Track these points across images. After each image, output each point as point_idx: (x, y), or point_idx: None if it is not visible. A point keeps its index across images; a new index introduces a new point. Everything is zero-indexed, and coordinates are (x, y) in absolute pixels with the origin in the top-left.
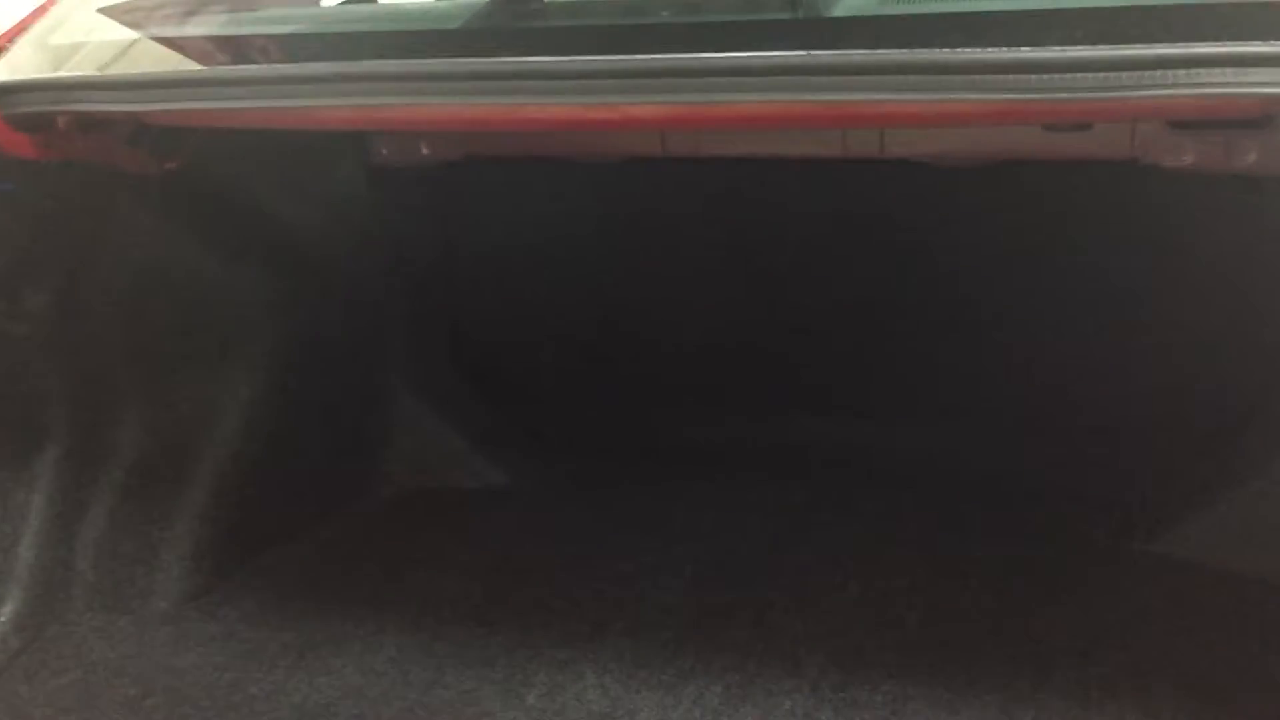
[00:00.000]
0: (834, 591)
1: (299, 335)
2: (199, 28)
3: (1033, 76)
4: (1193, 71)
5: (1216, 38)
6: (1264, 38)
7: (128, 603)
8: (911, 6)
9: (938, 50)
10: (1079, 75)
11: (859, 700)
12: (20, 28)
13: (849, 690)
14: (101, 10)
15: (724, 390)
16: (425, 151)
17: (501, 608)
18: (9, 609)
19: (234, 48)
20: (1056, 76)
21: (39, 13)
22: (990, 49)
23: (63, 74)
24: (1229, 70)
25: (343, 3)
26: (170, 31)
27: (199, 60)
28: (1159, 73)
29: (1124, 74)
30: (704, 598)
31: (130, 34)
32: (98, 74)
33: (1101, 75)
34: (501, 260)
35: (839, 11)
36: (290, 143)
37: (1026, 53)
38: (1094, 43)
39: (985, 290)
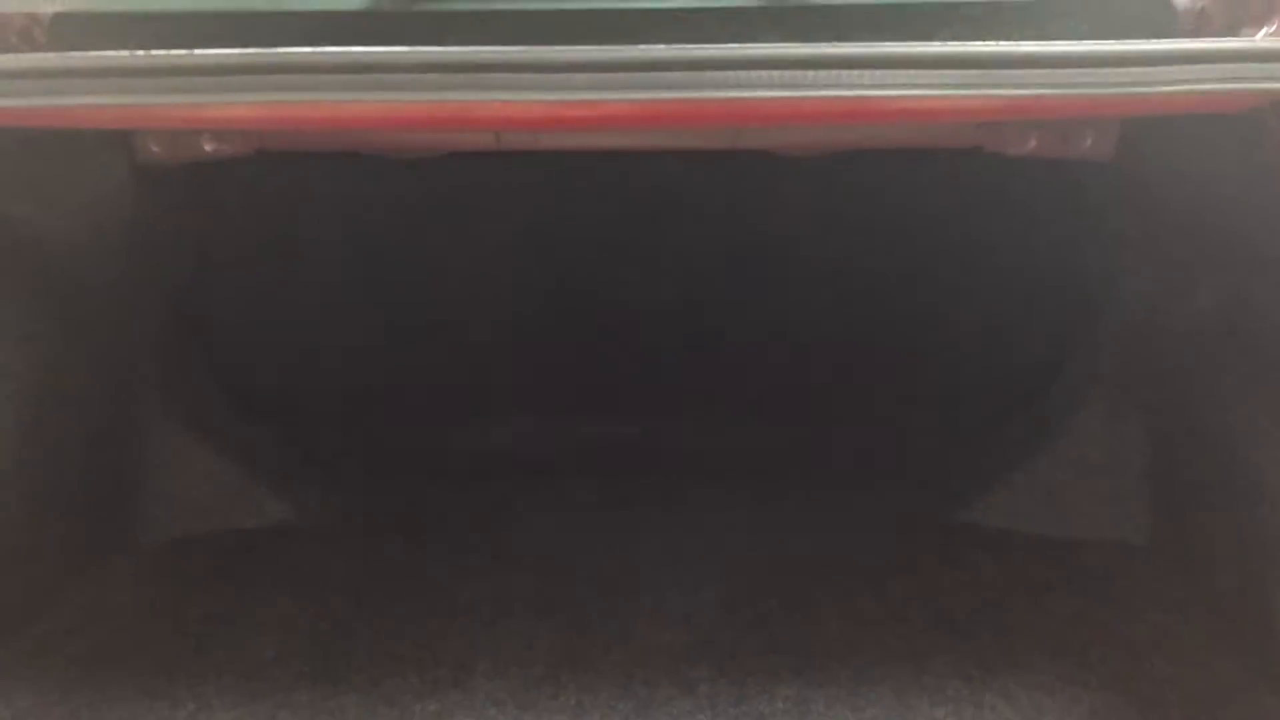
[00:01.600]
0: (691, 596)
1: (40, 366)
2: None
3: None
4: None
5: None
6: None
7: None
8: None
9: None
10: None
11: (764, 712)
12: None
13: (748, 703)
14: None
15: (526, 393)
16: (208, 148)
17: (343, 664)
18: None
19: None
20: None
21: None
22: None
23: None
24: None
25: None
26: None
27: None
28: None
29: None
30: (561, 621)
31: None
32: None
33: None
34: (277, 268)
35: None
36: (36, 137)
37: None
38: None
39: (804, 278)
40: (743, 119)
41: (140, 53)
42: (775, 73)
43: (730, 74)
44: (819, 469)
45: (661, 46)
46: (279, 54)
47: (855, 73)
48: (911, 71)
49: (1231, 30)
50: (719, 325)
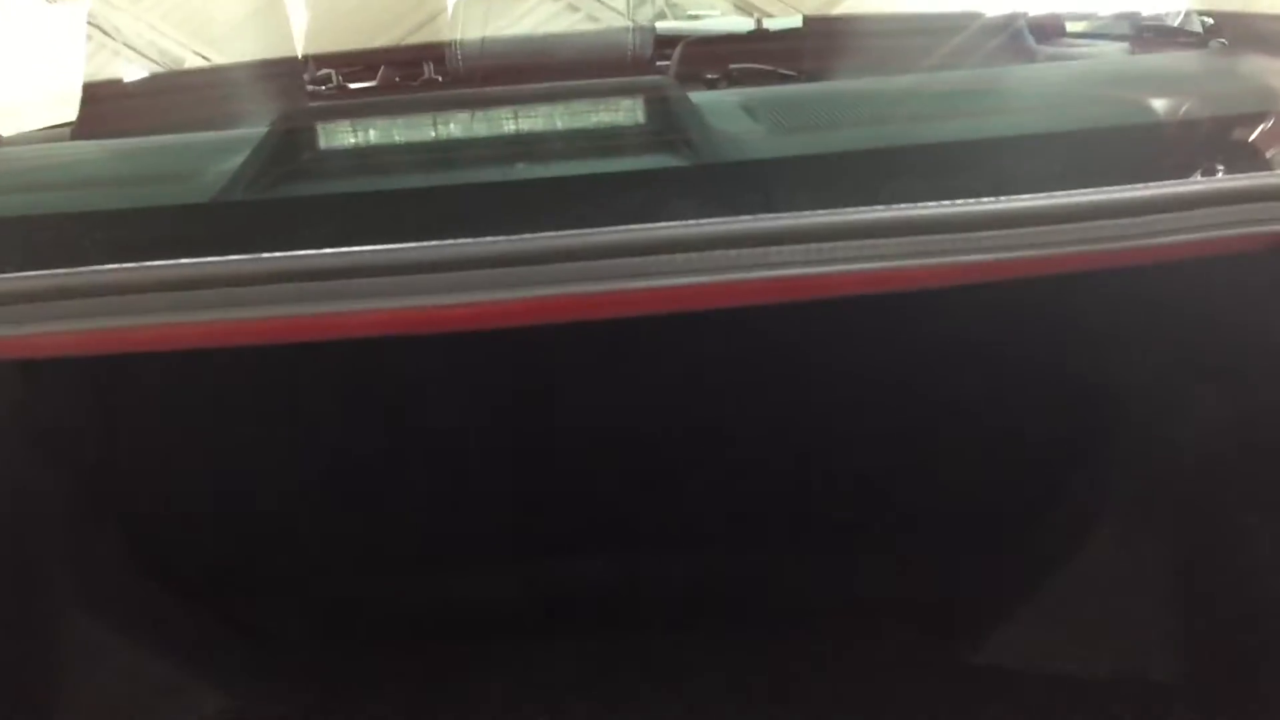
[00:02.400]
0: None
1: None
2: None
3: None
4: None
5: None
6: None
7: None
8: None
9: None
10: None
11: None
12: None
13: None
14: None
15: (480, 548)
16: None
17: None
18: None
19: None
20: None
21: None
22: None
23: None
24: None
25: None
26: None
27: None
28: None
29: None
30: None
31: None
32: None
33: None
34: (187, 439)
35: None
36: None
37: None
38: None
39: (782, 396)
40: (679, 303)
41: None
42: (695, 255)
43: (641, 260)
44: (810, 610)
45: (549, 235)
46: (89, 274)
47: (810, 247)
48: (880, 241)
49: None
50: (695, 454)
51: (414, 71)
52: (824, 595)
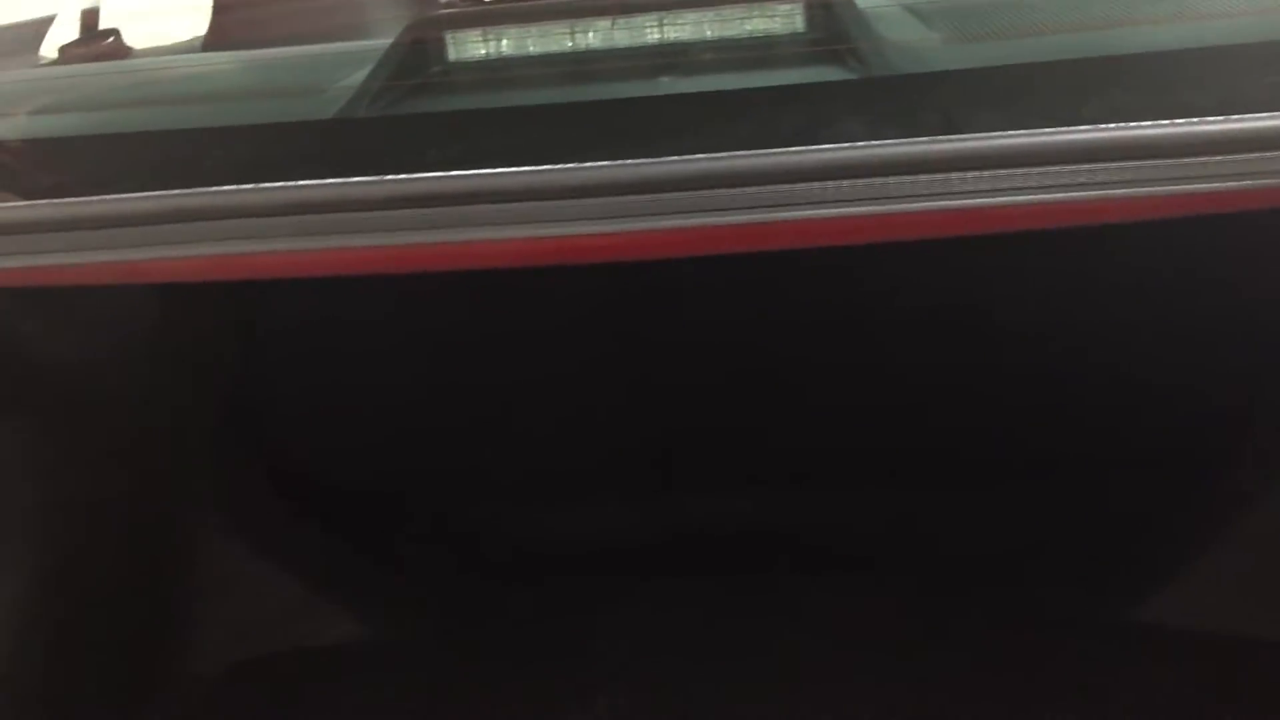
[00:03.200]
0: None
1: (74, 498)
2: None
3: None
4: None
5: None
6: None
7: None
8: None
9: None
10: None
11: None
12: None
13: None
14: None
15: (616, 475)
16: None
17: None
18: None
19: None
20: None
21: None
22: None
23: None
24: None
25: None
26: None
27: None
28: None
29: None
30: None
31: None
32: None
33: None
34: (324, 362)
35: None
36: None
37: None
38: None
39: (937, 324)
40: (848, 236)
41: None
42: (862, 181)
43: (805, 187)
44: (959, 559)
45: (702, 158)
46: (218, 194)
47: (998, 173)
48: (1076, 167)
49: None
50: (841, 392)
51: None
52: (972, 543)
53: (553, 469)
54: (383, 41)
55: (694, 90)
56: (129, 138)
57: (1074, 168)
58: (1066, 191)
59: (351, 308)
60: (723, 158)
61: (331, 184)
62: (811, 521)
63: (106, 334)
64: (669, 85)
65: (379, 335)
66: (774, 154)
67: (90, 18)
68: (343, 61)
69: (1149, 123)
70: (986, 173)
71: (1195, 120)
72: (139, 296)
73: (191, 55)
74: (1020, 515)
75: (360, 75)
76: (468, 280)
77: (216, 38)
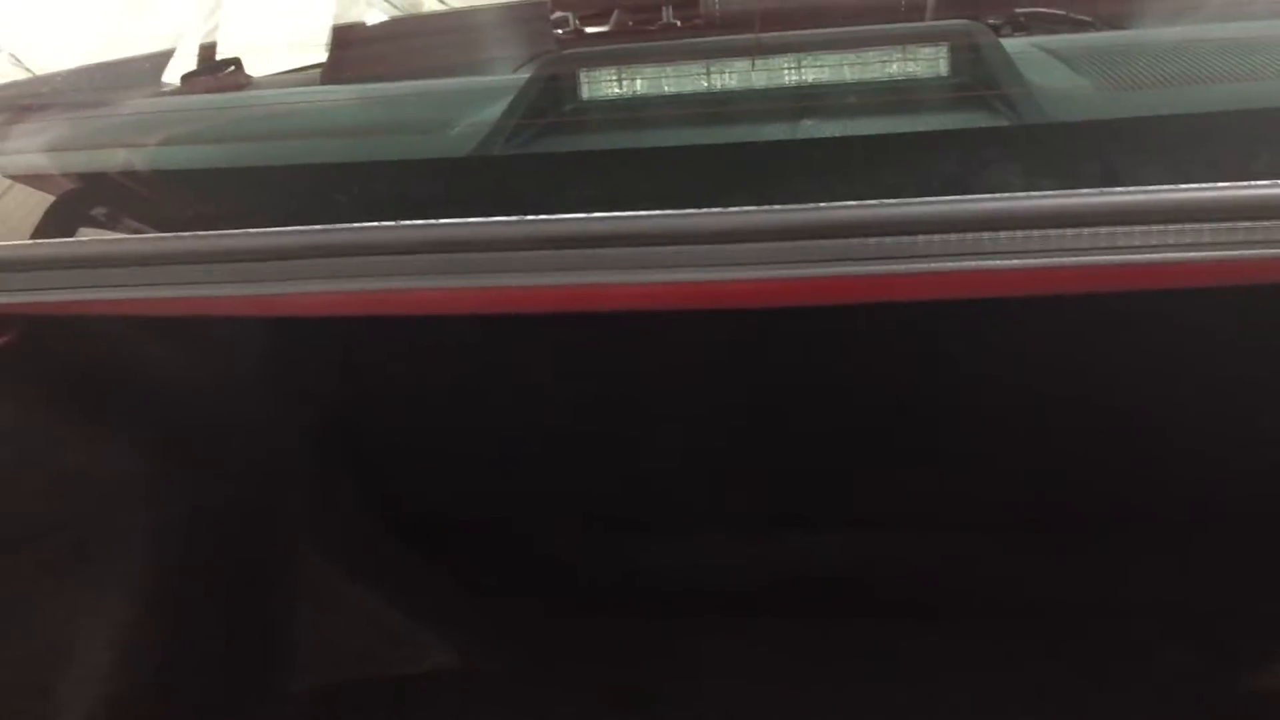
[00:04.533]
0: None
1: (178, 520)
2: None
3: None
4: None
5: None
6: None
7: None
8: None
9: None
10: None
11: None
12: None
13: None
14: None
15: (711, 518)
16: None
17: None
18: None
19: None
20: None
21: None
22: None
23: None
24: None
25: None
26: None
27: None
28: None
29: None
30: None
31: None
32: None
33: None
34: (426, 390)
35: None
36: None
37: None
38: None
39: (1044, 387)
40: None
41: (167, 235)
42: (1020, 234)
43: (959, 238)
44: (1069, 613)
45: (851, 204)
46: (347, 231)
47: (1167, 228)
48: (1250, 224)
49: None
50: (948, 430)
51: (652, 16)
52: (1083, 597)
53: (649, 504)
54: (506, 78)
55: (836, 135)
56: (265, 170)
57: (1235, 224)
58: (1223, 250)
59: (455, 337)
60: (867, 206)
61: (468, 223)
62: (911, 569)
63: (217, 361)
64: (811, 129)
65: (483, 366)
66: (922, 203)
67: (209, 50)
68: (468, 97)
69: None
70: (1160, 227)
71: None
72: (248, 326)
73: (314, 89)
74: (1130, 570)
75: (489, 111)
76: (577, 314)
77: (333, 71)
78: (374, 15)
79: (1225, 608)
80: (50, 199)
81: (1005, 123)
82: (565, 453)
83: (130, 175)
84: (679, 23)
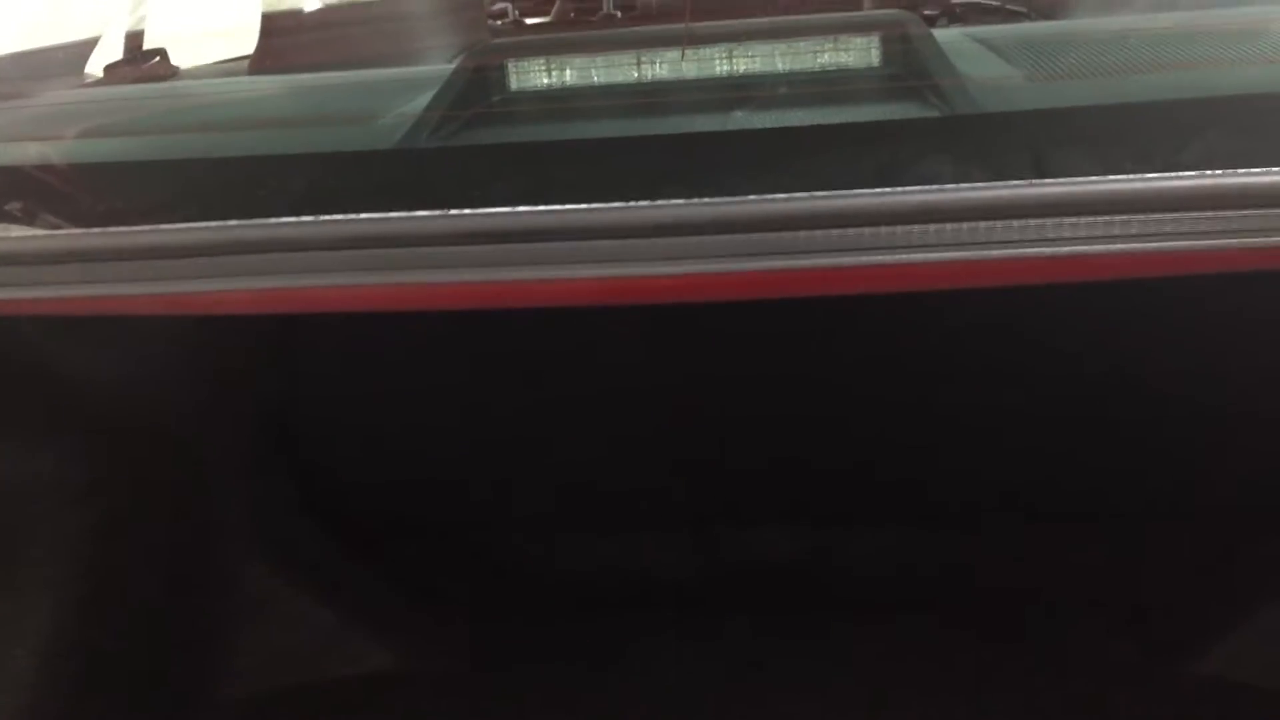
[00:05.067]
0: None
1: (109, 523)
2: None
3: None
4: None
5: None
6: None
7: None
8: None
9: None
10: None
11: None
12: None
13: None
14: None
15: (658, 513)
16: None
17: None
18: None
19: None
20: None
21: None
22: None
23: None
24: None
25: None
26: None
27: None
28: None
29: None
30: None
31: None
32: None
33: None
34: (366, 388)
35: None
36: None
37: None
38: None
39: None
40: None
41: (81, 230)
42: (950, 226)
43: (888, 230)
44: (1013, 603)
45: (782, 198)
46: (268, 226)
47: (1099, 220)
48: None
49: None
50: (896, 424)
51: (591, 5)
52: (1030, 590)
53: (592, 503)
54: (435, 68)
55: (768, 126)
56: (190, 164)
57: (1164, 216)
58: (1156, 241)
59: (391, 337)
60: (797, 198)
61: (391, 218)
62: (859, 561)
63: (146, 359)
64: (742, 120)
65: (418, 365)
66: (855, 195)
67: (135, 39)
68: (399, 87)
69: (1249, 171)
70: (1092, 219)
71: None
72: (180, 323)
73: (242, 79)
74: (1077, 563)
75: (418, 103)
76: (513, 312)
77: (263, 61)
78: (309, 3)
79: (1169, 603)
80: None
81: (937, 113)
82: (505, 451)
83: (49, 169)
84: (619, 13)
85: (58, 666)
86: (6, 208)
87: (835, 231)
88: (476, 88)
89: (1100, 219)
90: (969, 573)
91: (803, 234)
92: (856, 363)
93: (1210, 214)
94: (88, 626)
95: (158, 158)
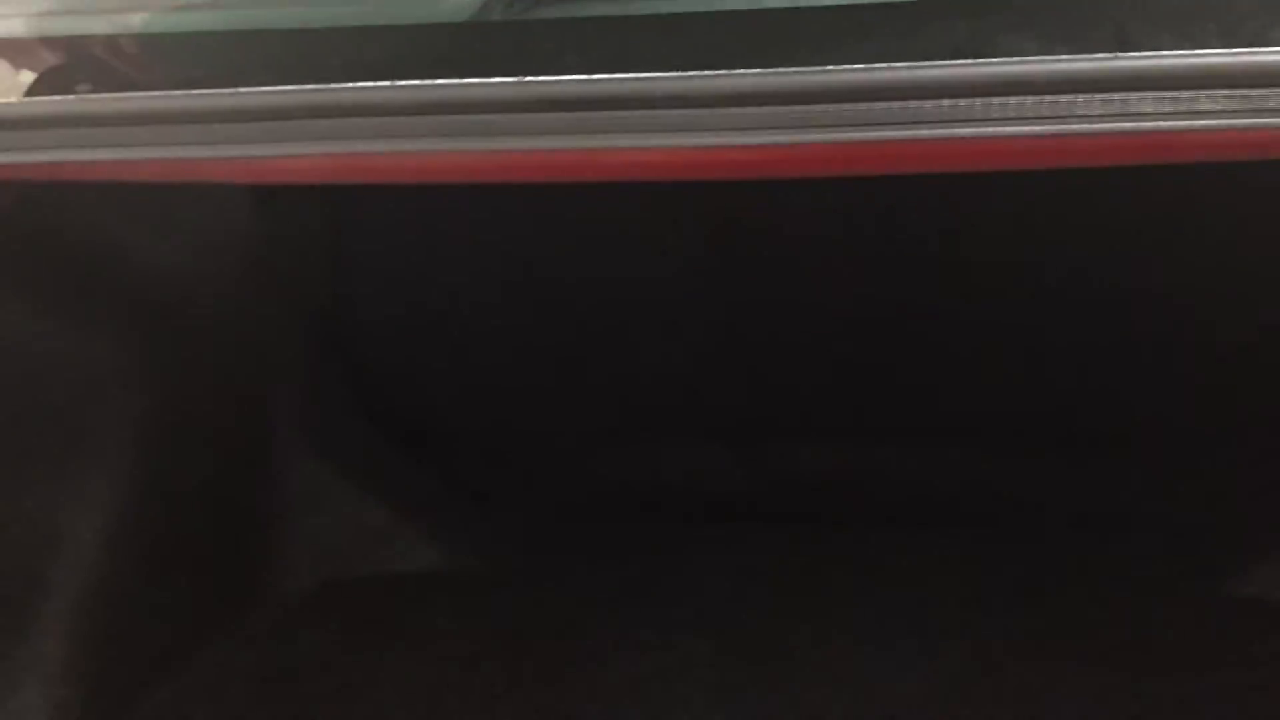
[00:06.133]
0: (897, 680)
1: (167, 409)
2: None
3: None
4: None
5: None
6: None
7: None
8: None
9: None
10: None
11: None
12: None
13: None
14: None
15: (705, 416)
16: None
17: None
18: None
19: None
20: None
21: None
22: None
23: None
24: None
25: None
26: None
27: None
28: None
29: None
30: (739, 712)
31: None
32: None
33: None
34: (418, 285)
35: None
36: None
37: None
38: None
39: (1044, 279)
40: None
41: (157, 93)
42: (1031, 98)
43: (968, 103)
44: (1057, 519)
45: (861, 68)
46: (342, 91)
47: (1162, 95)
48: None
49: None
50: (943, 334)
51: None
52: (1072, 506)
53: (642, 407)
54: None
55: (849, 2)
56: (262, 34)
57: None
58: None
59: (444, 231)
60: (875, 69)
61: (457, 84)
62: (902, 475)
63: (204, 247)
64: None
65: (471, 261)
66: (925, 66)
67: None
68: None
69: None
70: (1174, 94)
71: None
72: (237, 206)
73: None
74: (1117, 481)
75: None
76: (567, 204)
77: None
78: None
79: (1208, 520)
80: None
81: None
82: (556, 353)
83: (116, 42)
84: None
85: (123, 548)
86: (79, 78)
87: (904, 104)
88: None
89: (1185, 93)
90: (1008, 487)
91: (880, 105)
92: (896, 266)
93: None
94: (148, 510)
95: (228, 28)
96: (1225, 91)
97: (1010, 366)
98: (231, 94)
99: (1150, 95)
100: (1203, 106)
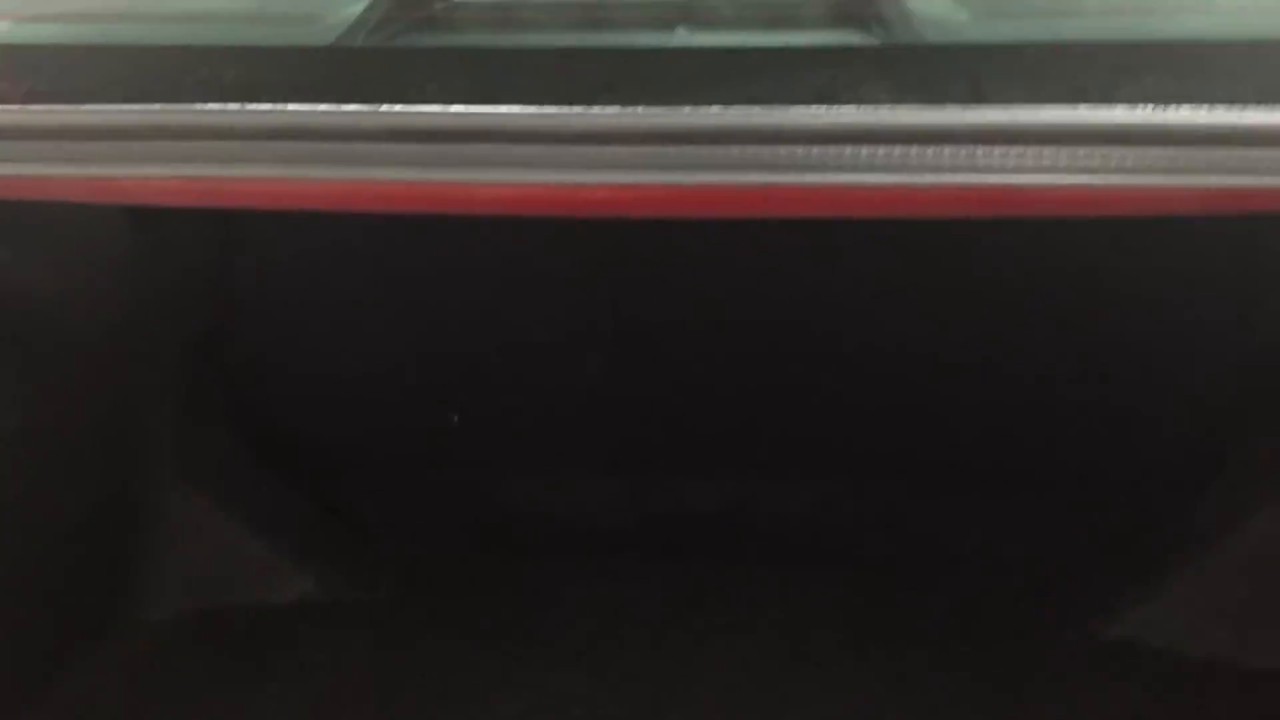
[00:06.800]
0: None
1: (31, 434)
2: None
3: None
4: None
5: None
6: None
7: None
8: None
9: None
10: None
11: None
12: None
13: None
14: None
15: (592, 454)
16: None
17: None
18: None
19: None
20: None
21: None
22: None
23: None
24: None
25: None
26: None
27: None
28: None
29: None
30: None
31: None
32: None
33: None
34: (301, 312)
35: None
36: None
37: None
38: None
39: (922, 330)
40: (826, 208)
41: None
42: (883, 149)
43: (821, 150)
44: (935, 560)
45: (717, 110)
46: (188, 112)
47: (1008, 150)
48: (1092, 149)
49: None
50: (828, 375)
51: None
52: (949, 547)
53: (527, 439)
54: None
55: (709, 45)
56: (121, 50)
57: (1139, 151)
58: (1122, 175)
59: (331, 254)
60: (735, 111)
61: (325, 111)
62: (786, 513)
63: (75, 267)
64: (683, 38)
65: (357, 286)
66: (791, 111)
67: None
68: None
69: (1183, 108)
70: (1022, 149)
71: (1233, 107)
72: (113, 225)
73: None
74: (998, 525)
75: (359, 6)
76: (456, 231)
77: None
78: None
79: (1082, 563)
80: None
81: (877, 41)
82: (438, 382)
83: None
84: None
85: None
86: None
87: (778, 149)
88: None
89: (1031, 149)
90: (889, 525)
91: (733, 149)
92: (788, 303)
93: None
94: (10, 537)
95: (82, 42)
96: (1069, 149)
97: (892, 410)
98: (76, 110)
99: (997, 150)
100: (1047, 162)
